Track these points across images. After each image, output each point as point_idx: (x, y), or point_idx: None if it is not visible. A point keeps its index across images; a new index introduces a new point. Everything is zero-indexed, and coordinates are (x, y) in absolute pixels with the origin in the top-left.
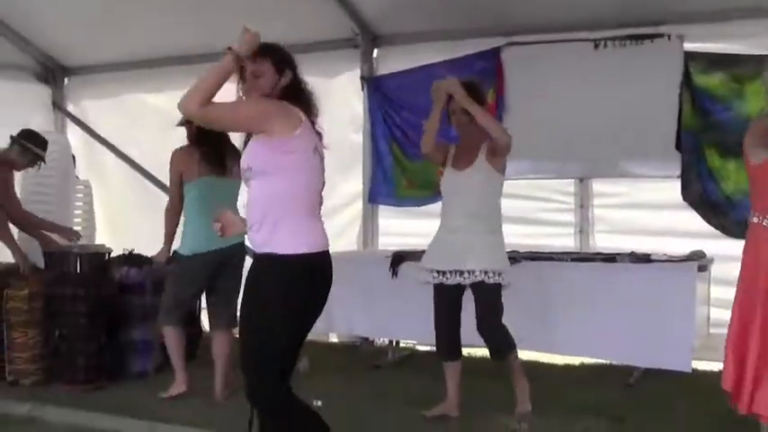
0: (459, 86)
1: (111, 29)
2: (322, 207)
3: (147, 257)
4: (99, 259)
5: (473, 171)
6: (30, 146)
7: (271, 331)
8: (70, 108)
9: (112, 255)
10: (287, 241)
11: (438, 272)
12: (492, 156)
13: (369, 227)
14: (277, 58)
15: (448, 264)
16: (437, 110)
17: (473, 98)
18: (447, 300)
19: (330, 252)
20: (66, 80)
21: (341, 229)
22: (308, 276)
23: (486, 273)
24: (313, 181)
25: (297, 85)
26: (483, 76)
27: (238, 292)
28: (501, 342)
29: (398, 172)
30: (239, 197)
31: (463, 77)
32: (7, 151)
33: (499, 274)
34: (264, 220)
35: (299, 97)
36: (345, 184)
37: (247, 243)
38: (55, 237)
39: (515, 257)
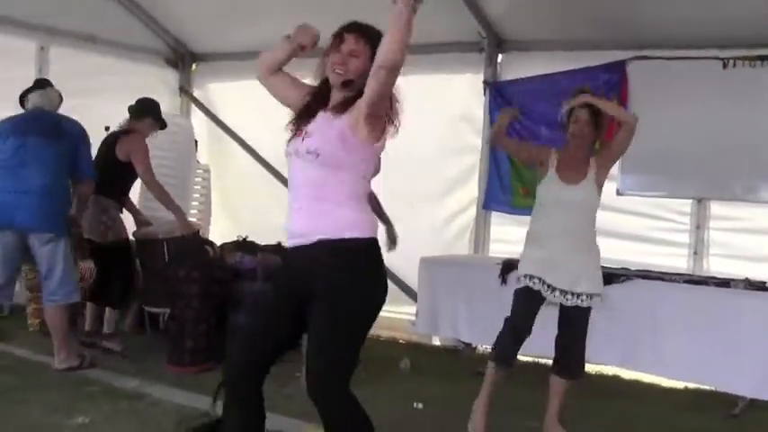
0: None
1: (241, 17)
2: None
3: (259, 245)
4: (185, 241)
5: (581, 189)
6: (161, 117)
7: None
8: (196, 93)
9: (227, 241)
10: None
11: (527, 276)
12: (601, 169)
13: (481, 233)
14: (376, 43)
15: (540, 270)
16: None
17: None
18: (530, 305)
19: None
20: (194, 66)
21: (456, 234)
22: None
23: (580, 296)
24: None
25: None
26: (607, 88)
27: None
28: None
29: (515, 179)
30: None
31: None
32: (139, 123)
33: (592, 297)
34: None
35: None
36: (463, 189)
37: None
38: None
39: (626, 275)
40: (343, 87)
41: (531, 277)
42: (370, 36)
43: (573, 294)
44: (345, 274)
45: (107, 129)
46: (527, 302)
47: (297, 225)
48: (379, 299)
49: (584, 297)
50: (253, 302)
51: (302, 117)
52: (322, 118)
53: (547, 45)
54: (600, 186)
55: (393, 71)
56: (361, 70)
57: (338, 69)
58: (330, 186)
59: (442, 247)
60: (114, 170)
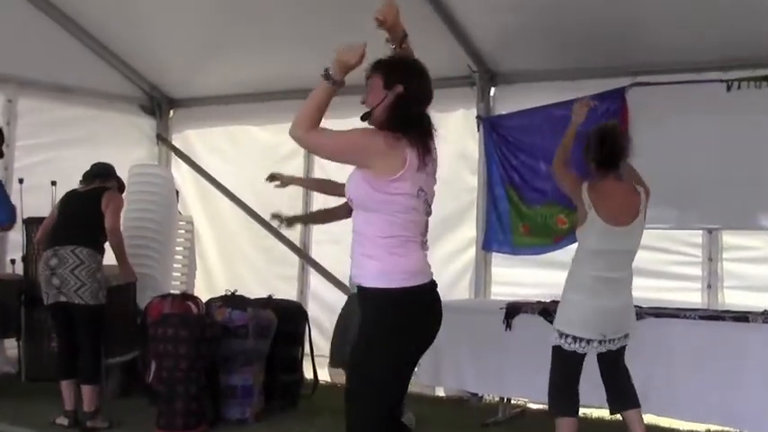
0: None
1: (220, 60)
2: (433, 251)
3: (249, 299)
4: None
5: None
6: (120, 179)
7: (382, 366)
8: (175, 141)
9: (214, 296)
10: (378, 276)
11: None
12: None
13: (481, 275)
14: (386, 71)
15: None
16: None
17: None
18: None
19: (436, 288)
20: (171, 112)
21: (454, 277)
22: (401, 309)
23: None
24: (410, 219)
25: (405, 103)
26: (606, 118)
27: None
28: None
29: (515, 218)
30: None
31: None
32: (110, 185)
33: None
34: (362, 252)
35: (406, 120)
36: (459, 229)
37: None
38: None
39: (638, 313)
40: (363, 120)
41: None
42: (379, 66)
43: None
44: (367, 324)
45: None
46: None
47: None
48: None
49: None
50: None
51: None
52: None
53: (541, 76)
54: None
55: (299, 140)
56: (376, 98)
57: (368, 107)
58: (363, 232)
59: (441, 292)
60: (101, 225)
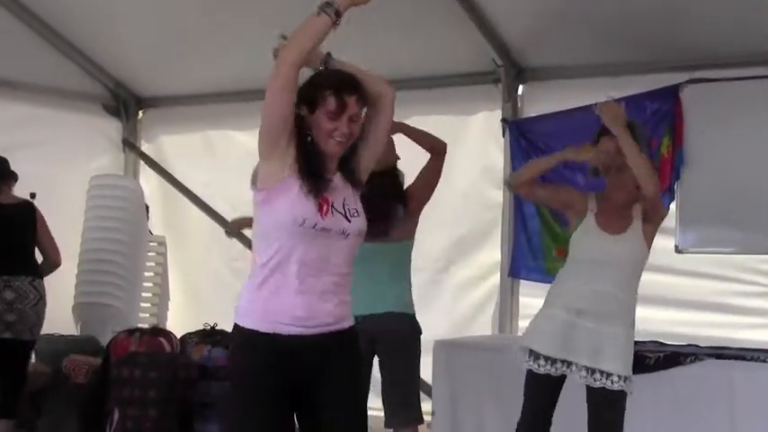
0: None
1: (196, 53)
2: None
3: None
4: None
5: (626, 238)
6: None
7: None
8: (144, 147)
9: (190, 330)
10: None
11: (546, 358)
12: (645, 221)
13: (507, 307)
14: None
15: (563, 351)
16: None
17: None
18: (544, 393)
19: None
20: (140, 113)
21: (474, 309)
22: None
23: (610, 376)
24: None
25: None
26: (656, 121)
27: None
28: None
29: (547, 239)
30: None
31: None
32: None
33: (626, 380)
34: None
35: None
36: (480, 252)
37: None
38: None
39: (695, 353)
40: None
41: (537, 356)
42: (363, 95)
43: (585, 369)
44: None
45: (33, 196)
46: (534, 385)
47: (329, 310)
48: None
49: (597, 375)
50: None
51: (320, 185)
52: (351, 193)
53: (577, 72)
54: (647, 238)
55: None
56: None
57: (342, 139)
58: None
59: (458, 326)
60: (34, 246)
